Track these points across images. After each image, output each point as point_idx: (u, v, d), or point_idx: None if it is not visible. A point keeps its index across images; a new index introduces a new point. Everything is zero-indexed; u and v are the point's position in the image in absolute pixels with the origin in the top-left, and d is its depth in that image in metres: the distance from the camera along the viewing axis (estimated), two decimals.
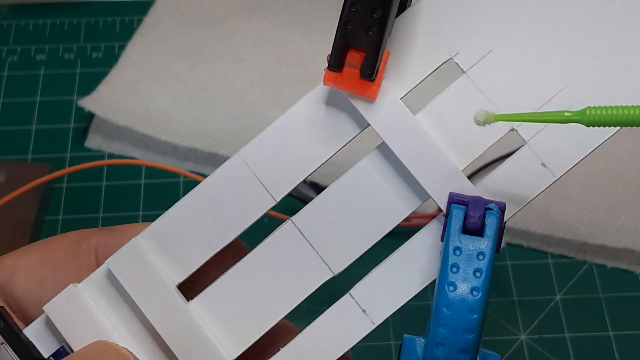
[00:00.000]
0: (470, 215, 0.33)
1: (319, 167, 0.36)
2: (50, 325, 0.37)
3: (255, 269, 0.37)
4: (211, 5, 0.81)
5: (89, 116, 0.74)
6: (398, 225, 0.36)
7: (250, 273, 0.37)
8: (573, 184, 0.66)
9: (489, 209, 0.33)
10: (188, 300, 0.37)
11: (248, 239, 0.38)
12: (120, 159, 0.72)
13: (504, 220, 0.34)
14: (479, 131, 0.34)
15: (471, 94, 0.35)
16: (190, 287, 0.37)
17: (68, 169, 0.68)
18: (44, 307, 0.37)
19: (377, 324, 0.36)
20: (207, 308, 0.37)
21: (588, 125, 0.31)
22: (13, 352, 0.36)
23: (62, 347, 0.37)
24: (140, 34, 0.79)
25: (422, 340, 0.34)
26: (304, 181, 0.37)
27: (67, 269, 0.40)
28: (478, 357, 0.32)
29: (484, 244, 0.32)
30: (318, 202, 0.36)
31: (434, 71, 0.35)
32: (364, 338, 0.36)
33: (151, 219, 0.63)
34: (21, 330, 0.37)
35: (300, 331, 0.37)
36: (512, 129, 0.34)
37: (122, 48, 0.79)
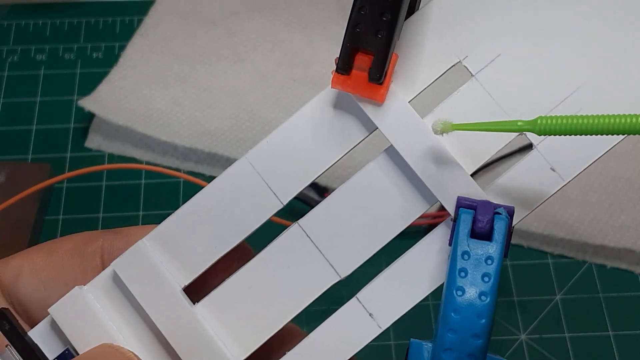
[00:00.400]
0: (479, 220, 0.33)
1: (326, 170, 0.36)
2: (55, 327, 0.37)
3: (262, 272, 0.37)
4: (211, 5, 0.81)
5: (89, 116, 0.73)
6: None
7: (256, 276, 0.37)
8: (573, 183, 0.65)
9: (498, 213, 0.33)
10: (194, 303, 0.37)
11: (252, 242, 0.38)
12: (120, 159, 0.72)
13: (513, 225, 0.34)
14: (488, 135, 0.34)
15: (480, 98, 0.35)
16: (196, 290, 0.37)
17: (68, 174, 0.68)
18: (49, 309, 0.37)
19: (383, 328, 0.36)
20: (213, 311, 0.37)
21: (540, 134, 0.31)
22: (18, 354, 0.36)
23: (67, 349, 0.37)
24: (140, 34, 0.79)
25: (430, 344, 0.34)
26: None
27: (72, 271, 0.40)
28: None
29: (493, 248, 0.32)
30: (325, 205, 0.36)
31: (442, 74, 0.35)
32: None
33: (151, 219, 0.63)
34: (26, 332, 0.37)
35: (306, 335, 0.37)
36: (521, 133, 0.34)
37: (122, 48, 0.78)
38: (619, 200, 0.68)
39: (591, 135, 0.31)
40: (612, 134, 0.30)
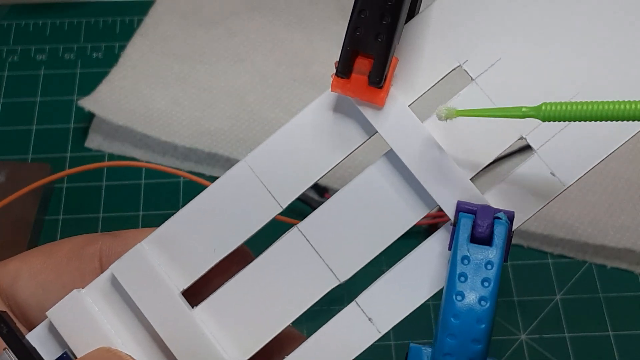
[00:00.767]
0: (479, 225, 0.33)
1: (325, 174, 0.36)
2: (53, 330, 0.37)
3: (261, 276, 0.37)
4: (211, 5, 0.81)
5: (89, 116, 0.73)
6: None
7: (255, 280, 0.37)
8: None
9: (498, 217, 0.33)
10: (192, 307, 0.37)
11: (251, 243, 0.38)
12: (120, 159, 0.72)
13: (512, 230, 0.34)
14: (488, 139, 0.34)
15: (480, 102, 0.34)
16: (195, 294, 0.37)
17: (69, 171, 0.68)
18: (47, 313, 0.37)
19: (383, 333, 0.36)
20: (212, 315, 0.37)
21: (544, 120, 0.31)
22: (16, 357, 0.36)
23: (64, 353, 0.37)
24: (140, 34, 0.79)
25: (429, 349, 0.34)
26: None
27: (70, 273, 0.40)
28: None
29: (493, 253, 0.32)
30: (324, 209, 0.36)
31: (442, 78, 0.35)
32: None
33: (151, 218, 0.63)
34: (24, 336, 0.37)
35: (305, 338, 0.37)
36: (521, 137, 0.34)
37: (122, 48, 0.78)
38: (619, 200, 0.68)
39: (594, 121, 0.30)
40: (615, 120, 0.30)
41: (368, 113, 0.35)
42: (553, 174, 0.34)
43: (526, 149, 0.35)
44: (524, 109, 0.31)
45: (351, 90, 0.34)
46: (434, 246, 0.35)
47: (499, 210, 0.33)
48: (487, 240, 0.33)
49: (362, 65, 0.33)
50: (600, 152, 0.34)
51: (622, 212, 0.68)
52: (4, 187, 0.67)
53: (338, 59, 0.34)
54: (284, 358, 0.37)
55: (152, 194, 0.71)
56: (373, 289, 0.36)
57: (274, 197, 0.36)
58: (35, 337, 0.37)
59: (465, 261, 0.32)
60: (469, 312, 0.31)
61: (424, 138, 0.34)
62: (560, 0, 0.34)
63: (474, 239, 0.33)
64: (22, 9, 0.83)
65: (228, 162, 0.71)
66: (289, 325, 0.37)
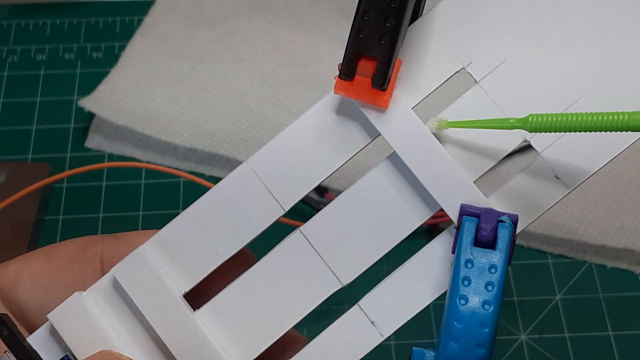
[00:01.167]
0: (483, 228, 0.33)
1: (328, 176, 0.36)
2: (54, 333, 0.37)
3: (263, 279, 0.37)
4: (211, 5, 0.81)
5: (89, 116, 0.73)
6: None
7: (257, 283, 0.37)
8: None
9: (502, 221, 0.33)
10: (194, 310, 0.37)
11: (254, 246, 0.38)
12: (120, 159, 0.72)
13: (516, 233, 0.34)
14: (491, 142, 0.34)
15: (484, 105, 0.34)
16: (197, 297, 0.37)
17: (69, 172, 0.68)
18: (48, 315, 0.37)
19: (385, 336, 0.36)
20: (214, 318, 0.37)
21: (531, 132, 0.32)
22: None
23: (66, 355, 0.37)
24: (140, 34, 0.78)
25: (432, 353, 0.34)
26: None
27: (71, 275, 0.40)
28: None
29: (496, 257, 0.32)
30: (327, 212, 0.36)
31: (446, 81, 0.35)
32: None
33: (151, 219, 0.63)
34: (25, 338, 0.37)
35: (307, 341, 0.37)
36: (525, 140, 0.34)
37: (122, 48, 0.78)
38: (619, 200, 0.68)
39: (580, 132, 0.31)
40: (600, 131, 0.30)
41: (371, 115, 0.35)
42: (557, 177, 0.34)
43: (530, 152, 0.35)
44: (511, 121, 0.32)
45: (354, 92, 0.34)
46: (437, 249, 0.35)
47: (503, 214, 0.33)
48: (490, 244, 0.33)
49: (366, 67, 0.33)
50: (604, 154, 0.34)
51: (622, 212, 0.67)
52: (4, 187, 0.67)
53: (341, 61, 0.33)
54: None
55: (152, 194, 0.71)
56: (375, 292, 0.36)
57: (276, 200, 0.36)
58: (36, 340, 0.37)
59: (469, 265, 0.32)
60: (472, 316, 0.31)
61: (427, 140, 0.34)
62: (563, 1, 0.34)
63: (478, 242, 0.33)
64: (22, 9, 0.83)
65: (228, 162, 0.70)
66: (291, 328, 0.37)
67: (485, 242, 0.32)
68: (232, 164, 0.70)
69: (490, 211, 0.33)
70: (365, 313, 0.36)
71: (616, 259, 0.67)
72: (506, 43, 0.35)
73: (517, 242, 0.65)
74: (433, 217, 0.36)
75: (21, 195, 0.63)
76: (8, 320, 0.36)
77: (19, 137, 0.73)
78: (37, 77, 0.78)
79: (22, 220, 0.66)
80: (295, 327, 0.37)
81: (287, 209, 0.36)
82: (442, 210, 0.35)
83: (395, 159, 0.35)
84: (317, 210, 0.36)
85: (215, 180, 0.67)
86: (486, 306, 0.31)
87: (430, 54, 0.35)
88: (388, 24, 0.32)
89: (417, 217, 0.36)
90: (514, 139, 0.34)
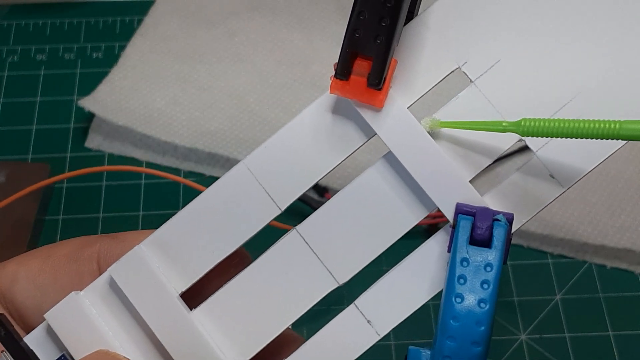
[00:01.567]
0: (478, 227, 0.33)
1: (324, 176, 0.36)
2: (51, 333, 0.37)
3: (260, 278, 0.37)
4: (211, 5, 0.81)
5: (89, 116, 0.73)
6: None
7: (254, 282, 0.37)
8: None
9: (497, 220, 0.33)
10: (191, 309, 0.37)
11: (250, 245, 0.38)
12: (120, 159, 0.72)
13: (512, 232, 0.34)
14: (487, 141, 0.34)
15: (479, 104, 0.34)
16: (194, 296, 0.37)
17: (69, 174, 0.68)
18: (45, 315, 0.37)
19: (382, 335, 0.36)
20: (210, 317, 0.37)
21: (523, 136, 0.32)
22: None
23: (63, 355, 0.37)
24: (140, 34, 0.78)
25: (428, 352, 0.34)
26: None
27: (68, 275, 0.40)
28: None
29: (492, 255, 0.32)
30: (323, 211, 0.36)
31: (441, 80, 0.35)
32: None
33: (151, 219, 0.63)
34: (22, 338, 0.37)
35: (304, 340, 0.37)
36: (521, 139, 0.34)
37: (122, 48, 0.78)
38: (619, 200, 0.68)
39: (571, 138, 0.31)
40: (592, 138, 0.31)
41: (367, 115, 0.35)
42: (552, 176, 0.34)
43: (525, 151, 0.35)
44: (504, 124, 0.32)
45: (350, 92, 0.34)
46: (433, 248, 0.35)
47: (498, 212, 0.33)
48: (486, 242, 0.33)
49: (361, 67, 0.33)
50: (599, 154, 0.34)
51: (622, 212, 0.67)
52: (4, 187, 0.67)
53: (337, 61, 0.33)
54: None
55: (152, 194, 0.71)
56: (372, 291, 0.36)
57: (272, 200, 0.36)
58: (33, 340, 0.37)
59: (465, 263, 0.32)
60: (468, 315, 0.31)
61: (422, 140, 0.34)
62: (559, 1, 0.34)
63: (473, 241, 0.33)
64: (22, 9, 0.83)
65: (228, 162, 0.70)
66: (287, 328, 0.37)
67: (481, 241, 0.33)
68: (232, 164, 0.70)
69: (485, 210, 0.33)
70: (361, 312, 0.36)
71: (616, 259, 0.67)
72: (501, 42, 0.35)
73: (517, 242, 0.66)
74: (432, 217, 0.36)
75: (21, 195, 0.63)
76: (5, 320, 0.36)
77: (19, 137, 0.74)
78: (37, 77, 0.78)
79: (22, 220, 0.66)
80: (294, 326, 0.37)
81: (283, 209, 0.36)
82: (439, 210, 0.35)
83: (391, 158, 0.35)
84: None
85: (215, 180, 0.68)
86: (482, 304, 0.31)
87: (425, 54, 0.35)
88: (383, 24, 0.32)
89: (413, 216, 0.36)
90: (509, 138, 0.34)
